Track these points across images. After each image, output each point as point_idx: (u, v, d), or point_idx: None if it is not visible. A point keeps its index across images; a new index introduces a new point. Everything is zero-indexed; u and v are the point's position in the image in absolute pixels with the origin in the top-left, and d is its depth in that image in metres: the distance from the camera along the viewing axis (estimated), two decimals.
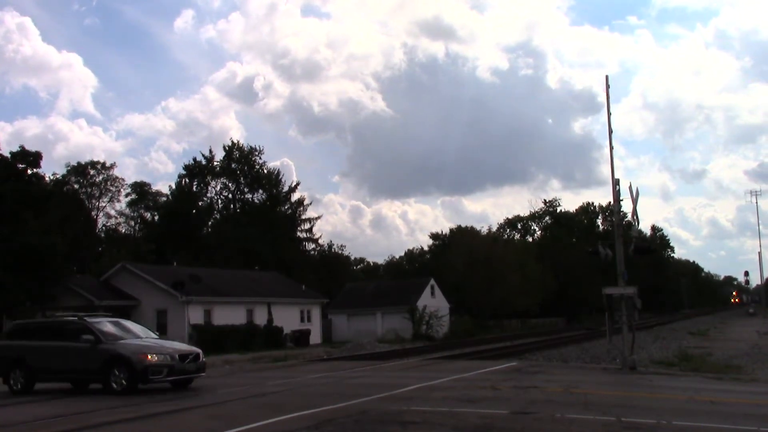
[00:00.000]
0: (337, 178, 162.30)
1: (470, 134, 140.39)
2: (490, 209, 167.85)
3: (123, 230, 67.90)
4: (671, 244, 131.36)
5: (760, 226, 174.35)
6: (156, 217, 67.16)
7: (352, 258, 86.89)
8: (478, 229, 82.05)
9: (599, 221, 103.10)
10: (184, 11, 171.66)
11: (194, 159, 70.06)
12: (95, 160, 66.19)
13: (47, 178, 48.38)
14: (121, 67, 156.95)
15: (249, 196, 70.63)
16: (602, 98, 21.51)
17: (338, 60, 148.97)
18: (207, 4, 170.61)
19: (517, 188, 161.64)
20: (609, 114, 18.95)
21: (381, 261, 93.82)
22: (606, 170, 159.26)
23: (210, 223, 69.05)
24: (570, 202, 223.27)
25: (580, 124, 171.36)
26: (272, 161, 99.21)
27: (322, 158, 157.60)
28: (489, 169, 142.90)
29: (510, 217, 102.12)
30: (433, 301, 54.84)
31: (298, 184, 73.44)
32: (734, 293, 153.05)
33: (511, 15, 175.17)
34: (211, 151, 69.83)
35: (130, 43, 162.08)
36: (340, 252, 78.37)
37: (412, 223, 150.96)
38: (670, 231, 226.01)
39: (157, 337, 17.89)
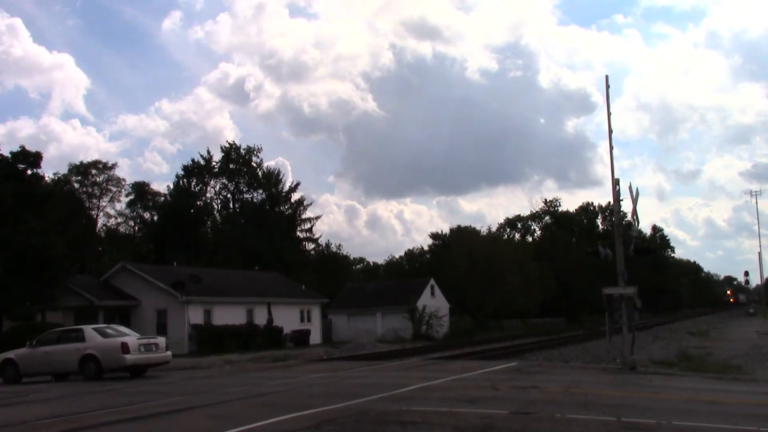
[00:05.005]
0: (332, 178, 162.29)
1: (464, 134, 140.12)
2: (485, 209, 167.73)
3: (123, 230, 68.00)
4: (671, 244, 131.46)
5: (759, 226, 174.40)
6: (155, 217, 67.21)
7: (352, 258, 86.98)
8: (477, 228, 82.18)
9: (599, 221, 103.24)
10: (173, 12, 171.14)
11: (192, 160, 70.15)
12: (90, 160, 66.11)
13: (46, 178, 48.36)
14: (113, 68, 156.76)
15: (248, 196, 70.68)
16: (595, 98, 21.66)
17: (326, 60, 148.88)
18: (193, 5, 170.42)
19: (512, 188, 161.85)
20: (609, 114, 18.95)
21: (381, 261, 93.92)
22: (600, 170, 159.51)
23: (209, 223, 69.09)
24: (567, 202, 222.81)
25: (573, 124, 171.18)
26: (267, 161, 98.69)
27: (317, 158, 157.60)
28: (483, 169, 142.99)
29: (509, 216, 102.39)
30: (433, 301, 54.83)
31: (298, 184, 73.46)
32: (729, 291, 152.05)
33: (497, 15, 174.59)
34: (209, 152, 69.93)
35: (123, 44, 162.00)
36: (339, 252, 78.44)
37: (409, 223, 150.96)
38: (668, 231, 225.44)
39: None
